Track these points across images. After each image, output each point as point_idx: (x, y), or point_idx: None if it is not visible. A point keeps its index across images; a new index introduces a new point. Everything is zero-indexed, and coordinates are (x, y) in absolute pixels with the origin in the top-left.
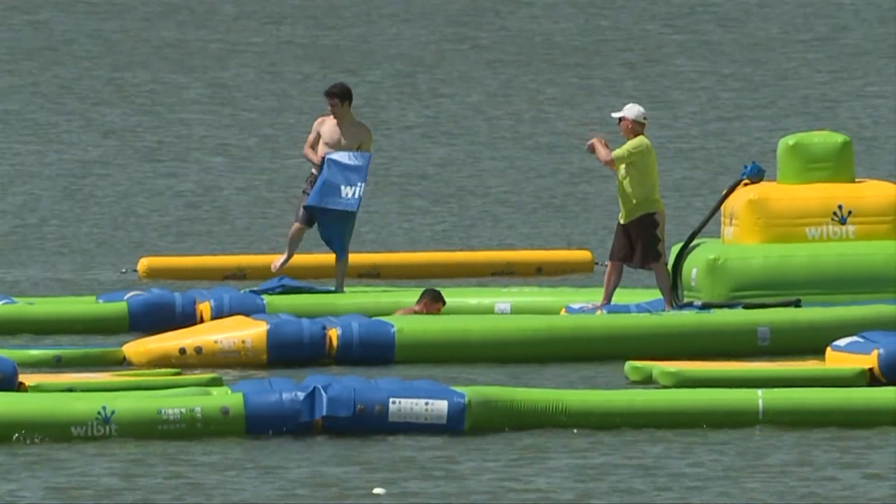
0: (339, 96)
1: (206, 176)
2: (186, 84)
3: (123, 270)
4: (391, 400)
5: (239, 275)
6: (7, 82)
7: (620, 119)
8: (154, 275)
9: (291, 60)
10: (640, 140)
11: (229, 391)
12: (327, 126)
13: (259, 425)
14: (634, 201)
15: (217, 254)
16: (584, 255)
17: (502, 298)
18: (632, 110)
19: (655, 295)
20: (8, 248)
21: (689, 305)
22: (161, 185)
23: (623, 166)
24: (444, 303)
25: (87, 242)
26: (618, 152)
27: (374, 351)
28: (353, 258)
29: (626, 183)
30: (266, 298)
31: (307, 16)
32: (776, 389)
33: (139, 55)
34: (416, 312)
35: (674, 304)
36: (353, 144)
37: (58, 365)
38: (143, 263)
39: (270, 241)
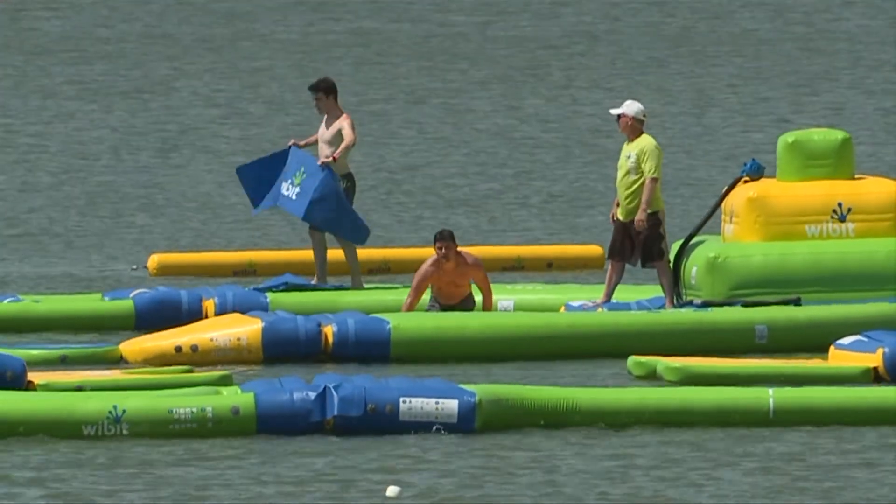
0: (324, 90)
1: (222, 171)
2: (198, 78)
3: (134, 267)
4: (402, 399)
5: (249, 271)
6: (14, 77)
7: (619, 116)
8: (165, 271)
9: (306, 54)
10: (653, 144)
11: (239, 390)
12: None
13: (270, 425)
14: (638, 200)
15: (227, 250)
16: (594, 249)
17: (506, 296)
18: (632, 107)
19: (656, 292)
20: (16, 244)
21: (689, 304)
22: (172, 181)
23: (630, 165)
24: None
25: (96, 238)
26: (650, 171)
27: (369, 348)
28: (363, 253)
29: (630, 181)
30: (270, 296)
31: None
32: (787, 388)
33: (155, 49)
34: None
35: (675, 302)
36: (334, 136)
37: (63, 363)
38: (154, 260)
39: (279, 238)
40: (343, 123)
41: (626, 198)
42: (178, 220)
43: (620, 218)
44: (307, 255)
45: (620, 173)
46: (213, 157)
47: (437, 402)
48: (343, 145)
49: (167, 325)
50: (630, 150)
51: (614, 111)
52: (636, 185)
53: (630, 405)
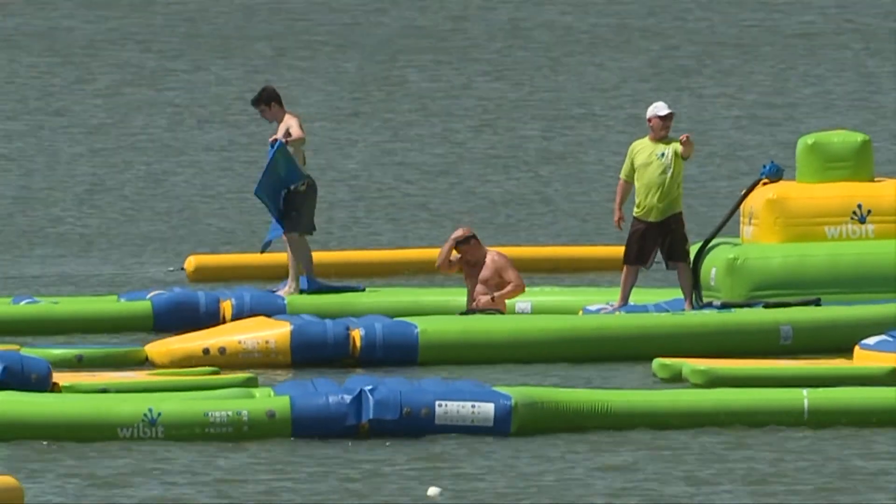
0: (264, 101)
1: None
2: (231, 79)
3: (171, 269)
4: (437, 403)
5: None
6: (56, 75)
7: (670, 115)
8: (202, 274)
9: (339, 57)
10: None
11: (273, 393)
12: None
13: (305, 428)
14: (671, 198)
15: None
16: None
17: (522, 298)
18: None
19: (673, 295)
20: (52, 244)
21: (709, 305)
22: (213, 183)
23: (665, 163)
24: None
25: (134, 239)
26: (690, 153)
27: (397, 352)
28: (389, 254)
29: (670, 180)
30: (287, 298)
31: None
32: (822, 389)
33: (179, 48)
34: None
35: (694, 304)
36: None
37: (79, 364)
38: (191, 262)
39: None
40: (290, 122)
41: (661, 197)
42: (219, 222)
43: (649, 218)
44: (342, 256)
45: (651, 172)
46: (241, 156)
47: (473, 406)
48: (290, 140)
49: (185, 326)
50: (662, 149)
51: (666, 111)
52: (674, 184)
53: (664, 407)
